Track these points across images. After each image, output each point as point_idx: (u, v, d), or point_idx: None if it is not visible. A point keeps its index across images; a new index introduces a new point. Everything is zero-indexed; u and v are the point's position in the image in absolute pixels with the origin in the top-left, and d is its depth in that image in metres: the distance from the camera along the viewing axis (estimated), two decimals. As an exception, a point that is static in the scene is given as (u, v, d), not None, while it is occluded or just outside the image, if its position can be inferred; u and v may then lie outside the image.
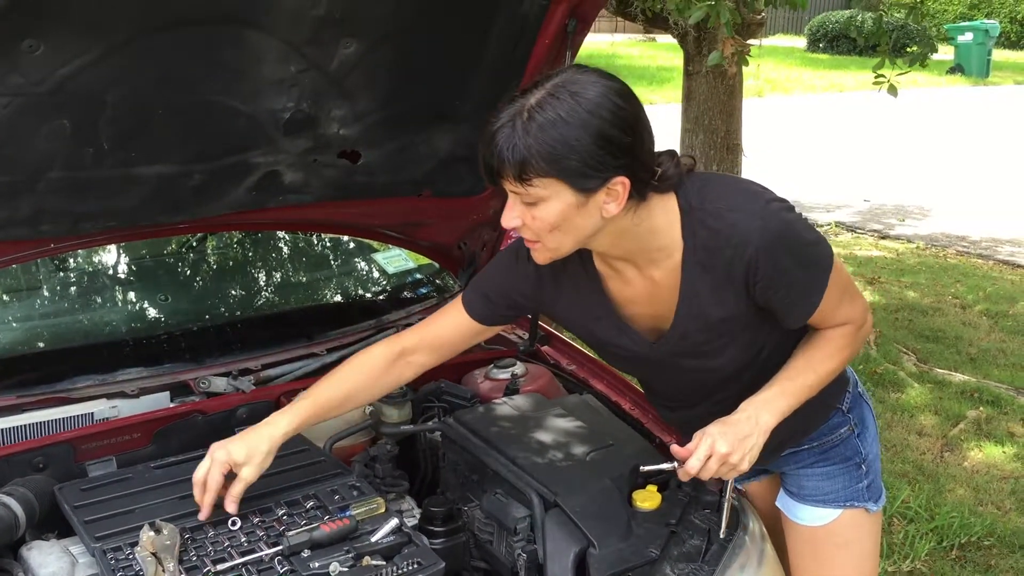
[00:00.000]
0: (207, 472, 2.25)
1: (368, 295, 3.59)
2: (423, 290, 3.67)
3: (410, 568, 2.14)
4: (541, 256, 2.11)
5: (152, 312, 3.13)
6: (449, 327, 2.44)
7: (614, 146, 1.84)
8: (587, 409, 3.03)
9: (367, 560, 2.15)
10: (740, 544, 2.46)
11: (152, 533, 2.16)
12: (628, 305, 2.25)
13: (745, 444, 2.11)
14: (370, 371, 2.45)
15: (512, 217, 1.98)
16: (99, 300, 3.03)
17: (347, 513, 2.29)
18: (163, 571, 2.04)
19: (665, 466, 2.26)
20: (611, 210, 1.93)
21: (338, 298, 3.55)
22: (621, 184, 1.89)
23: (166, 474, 2.53)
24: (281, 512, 2.32)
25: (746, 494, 2.74)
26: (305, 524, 2.28)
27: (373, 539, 2.23)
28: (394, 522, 2.27)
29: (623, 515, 2.51)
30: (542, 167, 1.82)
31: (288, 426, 2.34)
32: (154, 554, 2.10)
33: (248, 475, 2.25)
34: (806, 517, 2.51)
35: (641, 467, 2.33)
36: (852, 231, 10.41)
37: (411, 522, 2.61)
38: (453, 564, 2.53)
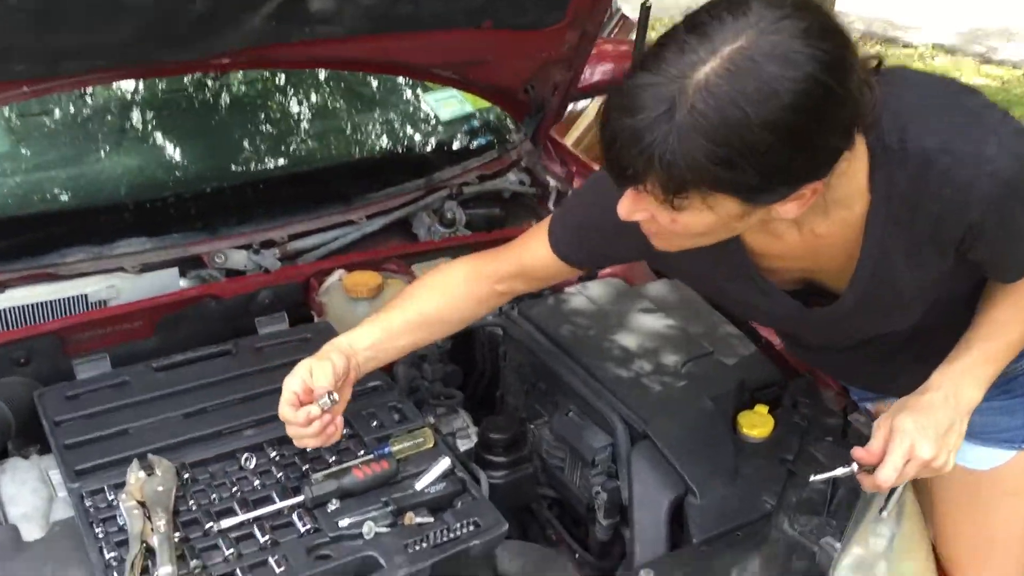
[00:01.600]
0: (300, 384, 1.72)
1: (416, 147, 3.01)
2: (482, 140, 3.08)
3: (464, 530, 1.68)
4: (661, 245, 1.54)
5: (156, 170, 2.60)
6: (538, 260, 1.88)
7: (815, 147, 1.30)
8: (677, 300, 2.48)
9: (409, 518, 1.70)
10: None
11: (141, 475, 1.72)
12: (772, 259, 1.67)
13: (948, 440, 1.58)
14: (453, 294, 1.91)
15: (636, 211, 1.42)
16: (92, 155, 2.50)
17: (386, 450, 1.83)
18: (151, 529, 1.60)
19: (840, 472, 1.65)
20: (789, 212, 1.39)
21: (381, 151, 2.98)
22: (812, 189, 1.36)
23: (169, 379, 2.07)
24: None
25: (874, 416, 2.22)
26: (333, 461, 1.82)
27: (418, 486, 1.76)
28: (444, 463, 1.80)
29: (728, 449, 2.02)
30: (706, 182, 1.28)
31: (350, 348, 1.81)
32: (142, 504, 1.66)
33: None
34: (971, 458, 1.97)
35: (811, 477, 1.79)
36: (950, 54, 9.38)
37: (465, 445, 2.16)
38: (516, 500, 2.08)
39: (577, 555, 2.17)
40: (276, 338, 2.24)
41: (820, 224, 1.55)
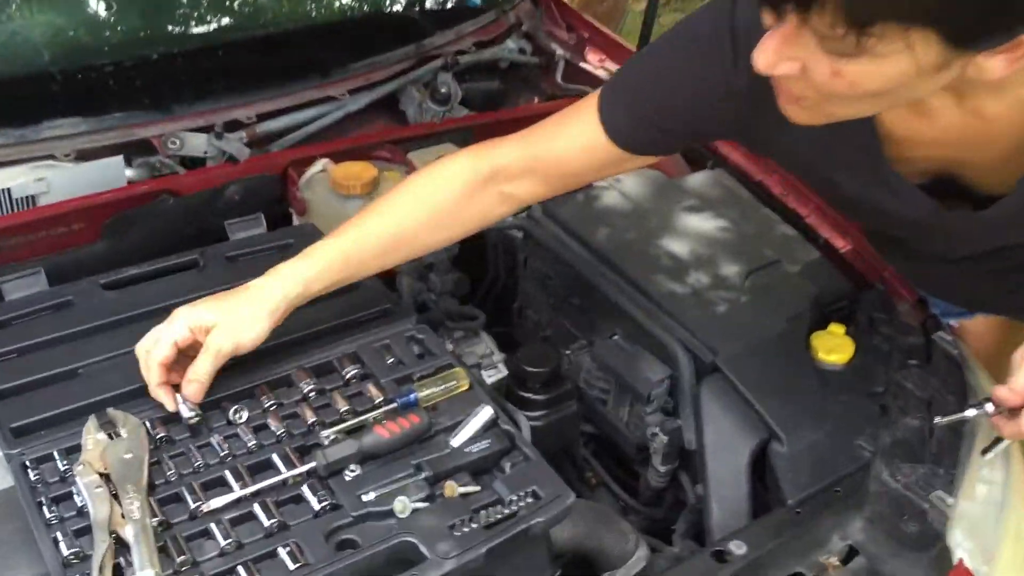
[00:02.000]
0: (153, 342, 1.41)
1: (404, 7, 2.53)
2: (476, 0, 2.62)
3: (522, 504, 1.33)
4: (801, 116, 1.19)
5: (92, 31, 2.09)
6: (574, 147, 1.47)
7: None
8: (723, 194, 2.12)
9: (451, 488, 1.34)
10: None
11: (101, 436, 1.33)
12: (911, 146, 1.30)
13: None
14: (442, 201, 1.52)
15: (784, 60, 1.10)
16: (11, 9, 1.98)
17: (411, 396, 1.45)
18: (121, 515, 1.23)
19: (972, 413, 1.39)
20: (995, 69, 1.07)
21: (364, 13, 2.49)
22: None
23: (123, 300, 1.66)
24: (307, 387, 1.48)
25: (959, 333, 1.92)
26: (346, 411, 1.44)
27: (454, 442, 1.41)
28: (486, 413, 1.45)
29: (811, 382, 1.70)
30: (909, 9, 0.97)
31: (303, 285, 1.47)
32: (106, 477, 1.28)
33: (223, 346, 1.41)
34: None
35: (936, 420, 1.47)
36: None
37: (492, 377, 1.80)
38: (556, 445, 1.74)
39: (621, 502, 1.86)
40: (251, 245, 1.82)
41: (991, 103, 1.20)
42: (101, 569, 1.16)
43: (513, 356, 1.72)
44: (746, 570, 1.42)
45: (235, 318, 1.41)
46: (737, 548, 1.43)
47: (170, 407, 1.39)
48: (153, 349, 1.39)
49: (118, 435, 1.33)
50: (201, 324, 1.39)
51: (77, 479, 1.27)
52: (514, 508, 1.33)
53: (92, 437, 1.32)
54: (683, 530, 1.72)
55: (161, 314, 1.58)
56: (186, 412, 1.39)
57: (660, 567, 1.59)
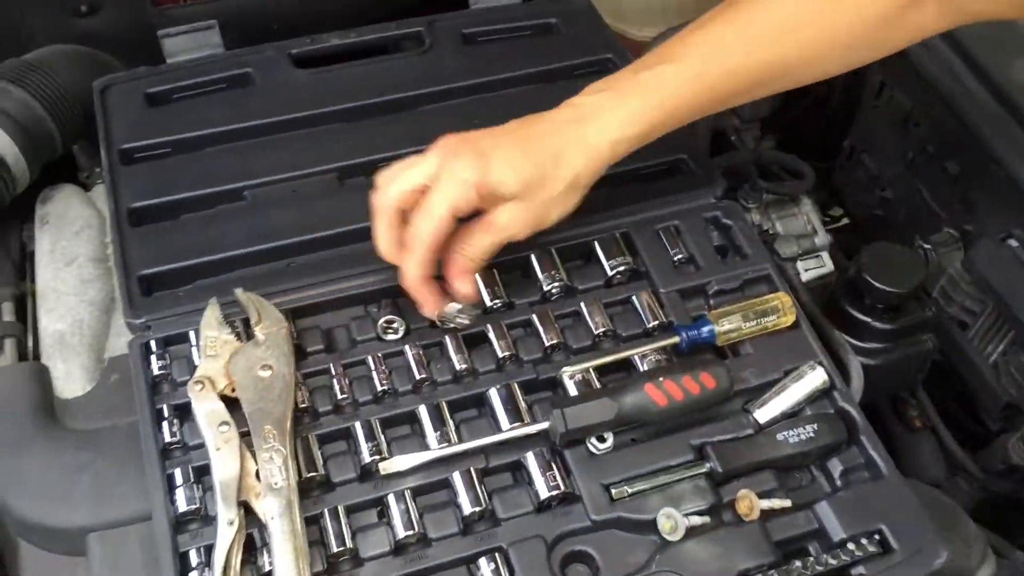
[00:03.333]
0: (425, 212, 0.89)
1: None
2: None
3: (859, 552, 0.84)
4: None
5: None
6: None
7: None
8: None
9: (747, 502, 0.86)
10: None
11: (227, 337, 0.90)
12: None
13: None
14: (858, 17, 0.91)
15: None
16: None
17: (704, 330, 0.94)
18: (255, 469, 0.83)
19: None
20: None
21: None
22: None
23: (319, 84, 1.19)
24: (550, 283, 0.99)
25: None
26: (604, 334, 0.96)
27: (760, 416, 0.91)
28: (817, 377, 0.92)
29: None
30: None
31: (639, 137, 0.92)
32: (232, 399, 0.87)
33: (518, 234, 0.91)
34: None
35: None
36: None
37: (811, 271, 1.24)
38: (888, 389, 1.21)
39: (948, 454, 1.32)
40: (500, 20, 1.27)
41: None
42: (226, 571, 0.77)
43: (854, 258, 1.14)
44: None
45: (543, 192, 0.90)
46: None
47: (430, 311, 0.93)
48: (422, 221, 0.88)
49: (251, 336, 0.90)
50: (497, 192, 0.89)
51: (193, 403, 0.87)
52: (846, 558, 0.84)
53: (214, 335, 0.90)
54: (1048, 535, 1.18)
55: (374, 113, 1.12)
56: (461, 318, 0.94)
57: (1006, 588, 1.09)
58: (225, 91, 1.20)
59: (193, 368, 0.90)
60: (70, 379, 0.98)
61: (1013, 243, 1.18)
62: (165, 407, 0.89)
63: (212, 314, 0.91)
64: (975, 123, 1.22)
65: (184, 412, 0.89)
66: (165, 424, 0.88)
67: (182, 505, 0.83)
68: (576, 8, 1.29)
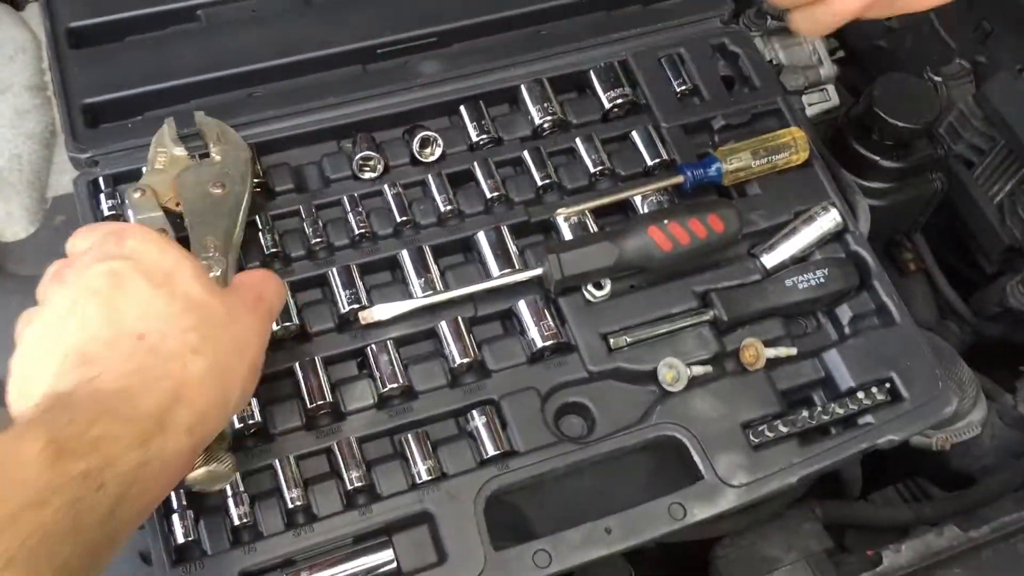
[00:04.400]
0: None
1: None
2: None
3: (867, 400, 0.80)
4: None
5: None
6: None
7: None
8: None
9: (752, 350, 0.81)
10: None
11: (179, 152, 0.81)
12: None
13: None
14: None
15: None
16: None
17: (712, 168, 0.87)
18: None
19: None
20: None
21: None
22: None
23: None
24: (540, 116, 0.90)
25: None
26: (601, 172, 0.88)
27: (768, 261, 0.85)
28: (831, 219, 0.86)
29: None
30: None
31: None
32: (176, 214, 0.78)
33: None
34: None
35: None
36: None
37: (816, 106, 1.15)
38: (892, 230, 1.15)
39: (941, 297, 1.29)
40: None
41: None
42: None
43: (864, 92, 1.05)
44: None
45: None
46: None
47: None
48: None
49: (206, 155, 0.81)
50: None
51: (129, 211, 0.78)
52: (854, 407, 0.80)
53: (165, 151, 0.81)
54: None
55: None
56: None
57: (996, 431, 1.08)
58: None
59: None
60: (11, 220, 0.89)
61: (1028, 75, 1.11)
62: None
63: (168, 132, 0.81)
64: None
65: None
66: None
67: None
68: None
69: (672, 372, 0.79)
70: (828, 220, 0.86)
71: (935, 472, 1.16)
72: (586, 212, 0.85)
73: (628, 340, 0.81)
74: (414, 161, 0.87)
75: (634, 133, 0.90)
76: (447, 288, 0.82)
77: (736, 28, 0.98)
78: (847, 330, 0.85)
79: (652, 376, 0.80)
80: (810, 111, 1.12)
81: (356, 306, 0.79)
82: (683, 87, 0.92)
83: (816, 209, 0.87)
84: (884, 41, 1.34)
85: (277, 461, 0.74)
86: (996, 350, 1.30)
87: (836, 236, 0.88)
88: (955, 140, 1.17)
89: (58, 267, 0.65)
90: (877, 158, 1.06)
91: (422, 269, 0.82)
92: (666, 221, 0.81)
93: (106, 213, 0.82)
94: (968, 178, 1.17)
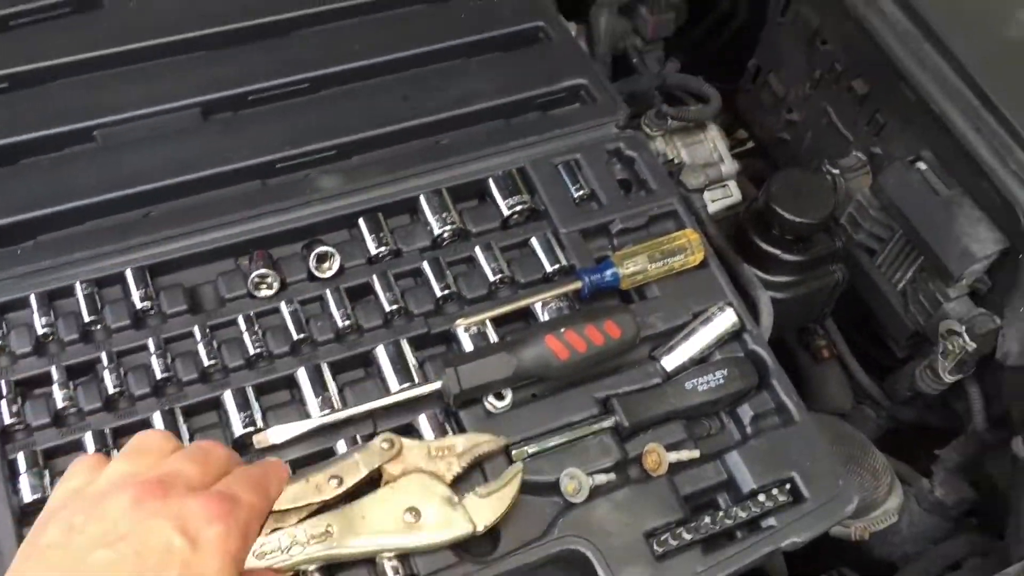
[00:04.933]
0: None
1: None
2: None
3: (769, 502, 0.80)
4: None
5: None
6: None
7: None
8: None
9: (654, 456, 0.81)
10: None
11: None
12: None
13: None
14: None
15: None
16: None
17: (607, 273, 0.88)
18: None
19: None
20: None
21: None
22: None
23: (186, 5, 1.06)
24: (440, 226, 0.90)
25: None
26: (501, 280, 0.88)
27: (667, 363, 0.85)
28: (727, 319, 0.87)
29: None
30: None
31: None
32: None
33: None
34: None
35: None
36: None
37: (718, 202, 1.19)
38: (797, 322, 1.17)
39: (855, 383, 1.31)
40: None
41: None
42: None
43: (762, 187, 1.08)
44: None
45: None
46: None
47: None
48: None
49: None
50: None
51: None
52: (757, 510, 0.80)
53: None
54: (951, 465, 1.18)
55: (243, 39, 1.01)
56: None
57: (914, 518, 1.09)
58: (71, 16, 1.05)
59: (36, 338, 0.80)
60: None
61: (922, 165, 1.14)
62: (3, 383, 0.78)
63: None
64: (885, 40, 1.16)
65: (28, 387, 0.79)
66: (3, 403, 0.77)
67: (27, 495, 0.74)
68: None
69: (573, 483, 0.79)
70: (725, 320, 0.88)
71: (858, 561, 1.16)
72: (486, 322, 0.85)
73: (530, 451, 0.80)
74: (311, 277, 0.87)
75: (533, 240, 0.91)
76: (346, 406, 0.81)
77: (631, 133, 1.00)
78: (749, 430, 0.85)
79: (555, 487, 0.79)
80: (713, 207, 1.15)
81: (251, 429, 0.78)
82: (580, 192, 0.94)
83: (713, 309, 0.88)
84: (787, 134, 1.38)
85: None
86: (911, 434, 1.32)
87: (735, 335, 0.89)
88: (856, 230, 1.21)
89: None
90: (778, 252, 1.09)
91: (320, 387, 0.81)
92: (563, 329, 0.81)
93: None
94: (871, 266, 1.20)
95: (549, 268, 0.89)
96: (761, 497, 0.80)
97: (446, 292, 0.87)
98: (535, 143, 0.97)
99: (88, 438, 0.77)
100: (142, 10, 1.06)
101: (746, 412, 0.86)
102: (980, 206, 1.09)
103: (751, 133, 1.52)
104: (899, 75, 1.15)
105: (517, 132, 0.98)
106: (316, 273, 0.87)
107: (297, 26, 1.05)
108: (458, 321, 0.85)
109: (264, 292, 0.86)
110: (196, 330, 0.82)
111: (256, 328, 0.83)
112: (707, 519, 0.79)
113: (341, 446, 0.79)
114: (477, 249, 0.90)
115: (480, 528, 0.73)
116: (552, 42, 1.06)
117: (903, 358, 1.24)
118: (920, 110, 1.13)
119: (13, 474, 0.75)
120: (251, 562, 0.66)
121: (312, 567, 0.69)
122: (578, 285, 0.87)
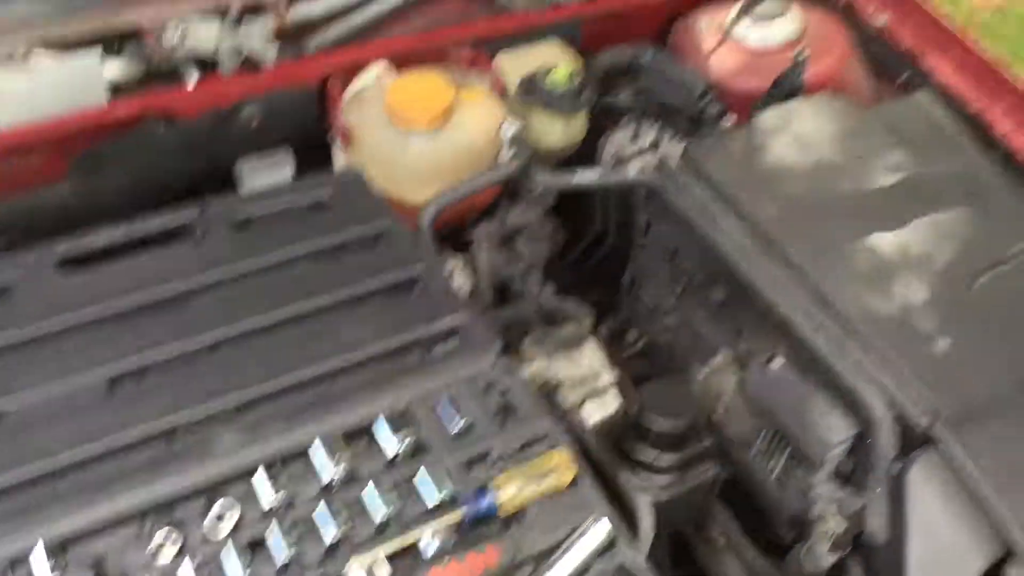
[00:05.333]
0: None
1: None
2: None
3: None
4: None
5: None
6: None
7: None
8: (936, 135, 1.51)
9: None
10: None
11: None
12: None
13: None
14: None
15: None
16: None
17: (484, 502, 0.96)
18: None
19: None
20: None
21: None
22: None
23: (84, 290, 1.16)
24: (330, 472, 0.98)
25: None
26: (387, 519, 0.95)
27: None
28: (602, 529, 0.95)
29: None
30: None
31: None
32: None
33: None
34: None
35: None
36: None
37: (597, 413, 1.28)
38: (680, 521, 1.25)
39: (754, 568, 1.37)
40: (270, 201, 1.29)
41: None
42: None
43: (640, 396, 1.19)
44: None
45: None
46: None
47: None
48: None
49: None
50: None
51: None
52: None
53: None
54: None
55: (144, 312, 1.10)
56: None
57: None
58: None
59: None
60: None
61: (778, 363, 1.26)
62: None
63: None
64: (730, 255, 1.31)
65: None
66: None
67: None
68: (347, 180, 1.32)
69: None
70: (599, 533, 0.95)
71: None
72: (377, 561, 0.92)
73: None
74: (210, 534, 0.93)
75: (418, 475, 0.99)
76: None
77: (505, 363, 1.10)
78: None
79: None
80: (593, 420, 1.25)
81: None
82: (459, 425, 1.03)
83: (587, 523, 0.96)
84: (664, 337, 1.51)
85: None
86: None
87: (611, 545, 0.96)
88: (730, 425, 1.31)
89: None
90: (655, 455, 1.18)
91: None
92: (448, 557, 0.88)
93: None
94: (747, 458, 1.29)
95: (433, 501, 0.97)
96: None
97: (338, 537, 0.93)
98: (418, 382, 1.07)
99: None
100: (51, 295, 1.15)
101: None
102: (831, 396, 1.20)
103: (638, 336, 1.64)
104: (746, 285, 1.29)
105: (401, 373, 1.08)
106: (211, 537, 0.93)
107: (195, 295, 1.15)
108: (351, 561, 0.91)
109: (163, 559, 0.91)
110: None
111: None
112: None
113: None
114: (366, 490, 0.97)
115: None
116: (430, 287, 1.17)
117: (791, 540, 1.32)
118: (768, 314, 1.26)
119: None
120: None
121: None
122: (459, 516, 0.94)
